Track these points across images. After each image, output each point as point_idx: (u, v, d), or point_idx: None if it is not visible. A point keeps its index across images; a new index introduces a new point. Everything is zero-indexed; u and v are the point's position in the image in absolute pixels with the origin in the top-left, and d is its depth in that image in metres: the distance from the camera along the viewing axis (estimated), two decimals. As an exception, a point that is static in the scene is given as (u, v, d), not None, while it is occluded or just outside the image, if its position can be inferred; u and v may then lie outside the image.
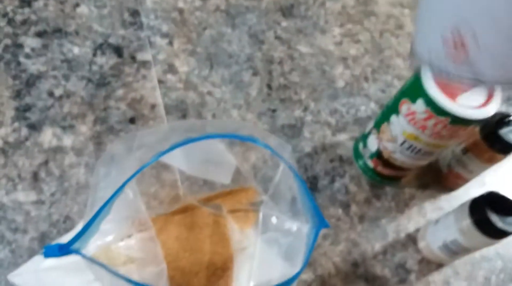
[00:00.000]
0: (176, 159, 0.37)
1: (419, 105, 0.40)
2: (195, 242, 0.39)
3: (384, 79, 0.60)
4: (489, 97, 0.39)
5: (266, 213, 0.35)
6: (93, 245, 0.29)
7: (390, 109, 0.44)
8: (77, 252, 0.26)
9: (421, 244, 0.49)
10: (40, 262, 0.38)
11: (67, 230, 0.42)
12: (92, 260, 0.25)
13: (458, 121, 0.39)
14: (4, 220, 0.41)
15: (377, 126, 0.47)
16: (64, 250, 0.26)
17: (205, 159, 0.38)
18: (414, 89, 0.40)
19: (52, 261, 0.37)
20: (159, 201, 0.43)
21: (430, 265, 0.48)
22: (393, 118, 0.44)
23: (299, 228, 0.33)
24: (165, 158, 0.37)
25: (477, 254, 0.49)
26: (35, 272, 0.37)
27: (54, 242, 0.40)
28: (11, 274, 0.38)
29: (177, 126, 0.35)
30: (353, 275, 0.46)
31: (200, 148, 0.38)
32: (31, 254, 0.40)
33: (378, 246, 0.48)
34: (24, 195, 0.42)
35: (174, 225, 0.40)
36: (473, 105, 0.39)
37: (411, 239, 0.49)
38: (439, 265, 0.48)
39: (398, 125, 0.43)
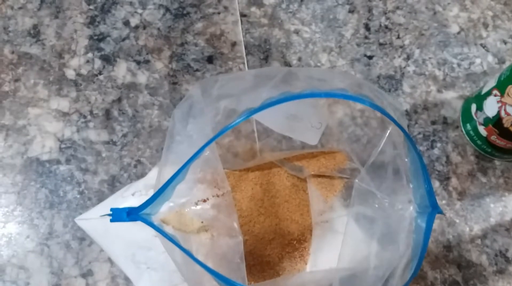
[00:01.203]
0: (262, 113, 0.32)
1: None
2: (271, 206, 0.35)
3: (508, 27, 0.49)
4: None
5: (360, 186, 0.29)
6: (165, 208, 0.25)
7: (525, 69, 0.35)
8: (146, 220, 0.23)
9: (531, 231, 0.41)
10: (108, 209, 0.36)
11: (138, 176, 0.39)
12: (163, 233, 0.22)
13: None
14: (74, 159, 0.39)
15: (501, 86, 0.38)
16: (132, 215, 0.23)
17: (291, 115, 0.33)
18: None
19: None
20: (233, 154, 0.39)
21: (537, 255, 0.41)
22: (529, 80, 0.35)
23: (399, 208, 0.28)
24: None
25: None
26: (103, 219, 0.36)
27: (123, 187, 0.38)
28: (79, 217, 0.36)
29: (263, 74, 0.29)
30: (444, 259, 0.41)
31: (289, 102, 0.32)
32: (101, 197, 0.38)
33: (477, 229, 0.42)
34: (96, 134, 0.40)
35: (249, 183, 0.37)
36: None
37: (518, 224, 0.42)
38: (549, 257, 0.41)
39: (535, 90, 0.34)
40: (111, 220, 0.24)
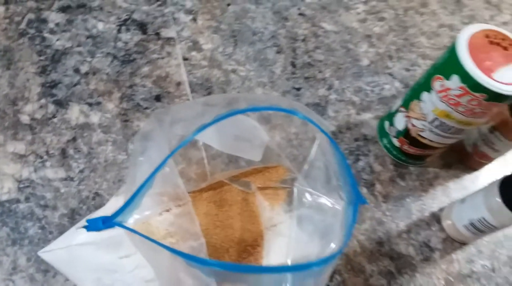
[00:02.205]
0: (208, 136, 0.37)
1: (454, 82, 0.39)
2: (225, 218, 0.39)
3: (408, 57, 0.59)
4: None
5: (299, 189, 0.35)
6: (132, 220, 0.29)
7: (421, 86, 0.44)
8: (120, 225, 0.26)
9: (446, 223, 0.49)
10: (71, 239, 0.38)
11: (96, 207, 0.42)
12: (136, 232, 0.26)
13: (495, 98, 0.38)
14: (33, 197, 0.41)
15: (406, 103, 0.47)
16: (107, 223, 0.26)
17: (236, 136, 0.38)
18: (448, 65, 0.40)
19: (83, 237, 0.38)
20: (187, 179, 0.43)
21: (454, 243, 0.48)
22: (424, 95, 0.43)
23: (333, 205, 0.33)
24: (198, 135, 0.37)
25: (500, 234, 0.49)
26: (67, 248, 0.38)
27: (84, 218, 0.40)
28: (42, 250, 0.38)
29: (210, 101, 0.35)
30: (378, 253, 0.46)
31: (232, 125, 0.38)
32: (62, 230, 0.40)
33: (402, 225, 0.48)
34: (53, 172, 0.43)
35: (203, 202, 0.41)
36: (510, 80, 0.38)
37: (435, 218, 0.49)
38: (463, 244, 0.48)
39: (430, 102, 0.43)
40: (88, 229, 0.27)
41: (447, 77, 0.40)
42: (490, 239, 0.49)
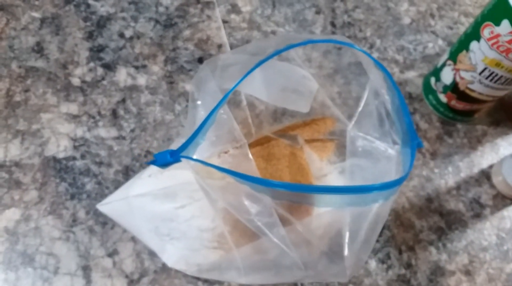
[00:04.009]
0: (257, 87, 0.37)
1: (504, 27, 0.38)
2: (274, 171, 0.40)
3: (450, 15, 0.58)
4: None
5: (351, 136, 0.34)
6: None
7: (469, 36, 0.43)
8: (188, 157, 0.27)
9: (496, 179, 0.48)
10: (128, 191, 0.39)
11: (148, 164, 0.43)
12: (207, 163, 0.26)
13: (550, 41, 0.37)
14: (88, 155, 0.43)
15: (453, 56, 0.45)
16: (175, 156, 0.27)
17: (284, 87, 0.38)
18: (497, 10, 0.39)
19: (139, 189, 0.39)
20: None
21: (504, 200, 0.47)
22: (473, 44, 0.42)
23: (386, 149, 0.33)
24: (246, 87, 0.37)
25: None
26: (124, 200, 0.39)
27: (138, 173, 0.41)
28: (100, 203, 0.39)
29: (257, 45, 0.35)
30: (427, 209, 0.46)
31: (280, 75, 0.38)
32: (117, 185, 0.42)
33: (451, 182, 0.48)
34: (106, 131, 0.44)
35: (252, 157, 0.41)
36: None
37: (485, 175, 0.48)
38: (515, 200, 0.47)
39: (479, 51, 0.42)
40: (156, 164, 0.28)
41: (497, 23, 0.39)
42: (542, 195, 0.48)
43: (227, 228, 0.36)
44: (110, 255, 0.39)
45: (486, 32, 0.40)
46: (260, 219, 0.27)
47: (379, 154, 0.34)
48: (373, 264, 0.42)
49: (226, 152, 0.32)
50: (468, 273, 0.43)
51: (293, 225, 0.30)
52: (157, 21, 0.51)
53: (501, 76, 0.42)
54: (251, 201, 0.27)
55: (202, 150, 0.30)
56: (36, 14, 0.49)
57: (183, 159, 0.27)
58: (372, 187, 0.24)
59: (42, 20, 0.49)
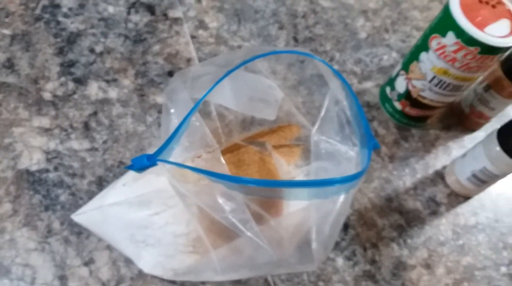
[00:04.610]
0: (225, 98, 0.40)
1: (449, 38, 0.42)
2: (245, 176, 0.42)
3: (403, 30, 0.62)
4: (515, 28, 0.41)
5: (315, 140, 0.37)
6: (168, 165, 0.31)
7: (419, 47, 0.47)
8: (165, 160, 0.29)
9: (450, 179, 0.52)
10: (102, 200, 0.40)
11: (122, 174, 0.44)
12: (184, 166, 0.28)
13: (487, 50, 0.41)
14: (61, 166, 0.44)
15: (405, 66, 0.50)
16: (152, 159, 0.28)
17: (251, 97, 0.41)
18: (444, 23, 0.43)
19: (114, 198, 0.40)
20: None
21: (458, 198, 0.51)
22: (423, 55, 0.46)
23: (347, 151, 0.36)
24: (216, 97, 0.40)
25: (499, 187, 0.52)
26: (99, 209, 0.40)
27: (113, 182, 0.42)
28: (75, 213, 0.40)
29: (225, 57, 0.37)
30: (388, 209, 0.49)
31: (247, 85, 0.40)
32: (91, 196, 0.42)
33: (409, 183, 0.51)
34: (78, 143, 0.45)
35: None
36: (499, 34, 0.41)
37: (439, 176, 0.52)
38: (467, 198, 0.51)
39: (428, 61, 0.46)
40: (133, 168, 0.29)
41: (443, 35, 0.43)
42: (491, 192, 0.52)
43: (203, 230, 0.38)
44: (86, 264, 0.40)
45: (434, 43, 0.44)
46: (234, 216, 0.29)
47: (341, 155, 0.37)
48: (340, 261, 0.45)
49: (199, 157, 0.34)
50: (428, 266, 0.46)
51: (266, 223, 0.32)
52: (126, 37, 0.52)
53: (449, 83, 0.46)
54: (225, 199, 0.29)
55: (176, 156, 0.32)
56: (6, 31, 0.50)
57: (159, 163, 0.29)
58: (334, 180, 0.27)
59: (13, 37, 0.49)
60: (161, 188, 0.38)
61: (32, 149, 0.44)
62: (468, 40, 0.41)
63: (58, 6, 0.52)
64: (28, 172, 0.42)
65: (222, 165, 0.32)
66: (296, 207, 0.37)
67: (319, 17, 0.60)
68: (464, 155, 0.50)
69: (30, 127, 0.45)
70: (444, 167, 0.53)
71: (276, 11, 0.59)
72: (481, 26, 0.41)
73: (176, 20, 0.55)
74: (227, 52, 0.54)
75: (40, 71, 0.48)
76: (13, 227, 0.40)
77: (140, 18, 0.54)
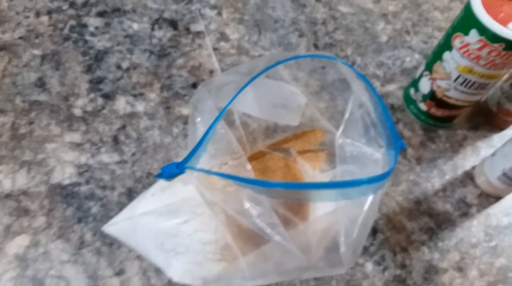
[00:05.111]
0: (249, 104, 0.40)
1: (473, 36, 0.42)
2: (271, 183, 0.42)
3: (425, 31, 0.62)
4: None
5: (340, 143, 0.37)
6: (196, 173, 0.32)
7: (442, 47, 0.46)
8: (192, 168, 0.29)
9: (479, 180, 0.50)
10: (133, 211, 0.41)
11: (150, 184, 0.45)
12: (211, 172, 0.29)
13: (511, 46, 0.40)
14: (93, 180, 0.45)
15: (429, 67, 0.49)
16: (180, 167, 0.29)
17: (275, 103, 0.41)
18: (466, 22, 0.42)
19: (144, 208, 0.41)
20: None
21: (489, 198, 0.50)
22: (446, 55, 0.46)
23: (373, 153, 0.36)
24: (239, 104, 0.40)
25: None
26: (129, 219, 0.41)
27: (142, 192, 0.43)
28: (106, 225, 0.41)
29: (248, 66, 0.38)
30: (417, 212, 0.48)
31: (270, 92, 0.41)
32: (121, 207, 0.43)
33: (437, 184, 0.50)
34: (108, 157, 0.46)
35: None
36: (525, 31, 0.40)
37: (469, 176, 0.51)
38: (498, 198, 0.50)
39: (452, 60, 0.45)
40: (162, 177, 0.30)
41: (466, 33, 0.42)
42: (524, 192, 0.50)
43: (231, 237, 0.38)
44: (118, 274, 0.40)
45: (457, 42, 0.44)
46: (262, 220, 0.29)
47: (366, 158, 0.37)
48: (369, 266, 0.44)
49: (225, 164, 0.34)
50: (460, 269, 0.45)
51: (295, 227, 0.32)
52: (151, 52, 0.54)
53: (474, 82, 0.45)
54: (253, 204, 0.29)
55: (203, 163, 0.33)
56: (37, 51, 0.52)
57: (187, 170, 0.29)
58: (361, 181, 0.27)
59: (43, 57, 0.52)
60: (189, 197, 0.39)
61: (65, 164, 0.45)
62: (492, 37, 0.40)
63: (85, 25, 0.54)
64: (60, 186, 0.44)
65: (248, 171, 0.33)
66: (323, 212, 0.37)
67: (338, 23, 0.61)
68: (493, 154, 0.49)
69: (62, 142, 0.46)
70: (473, 168, 0.52)
71: (295, 19, 0.60)
72: (504, 22, 0.40)
73: (198, 34, 0.56)
74: (249, 61, 0.55)
75: (70, 89, 0.50)
76: (47, 240, 0.41)
77: (163, 34, 0.55)
